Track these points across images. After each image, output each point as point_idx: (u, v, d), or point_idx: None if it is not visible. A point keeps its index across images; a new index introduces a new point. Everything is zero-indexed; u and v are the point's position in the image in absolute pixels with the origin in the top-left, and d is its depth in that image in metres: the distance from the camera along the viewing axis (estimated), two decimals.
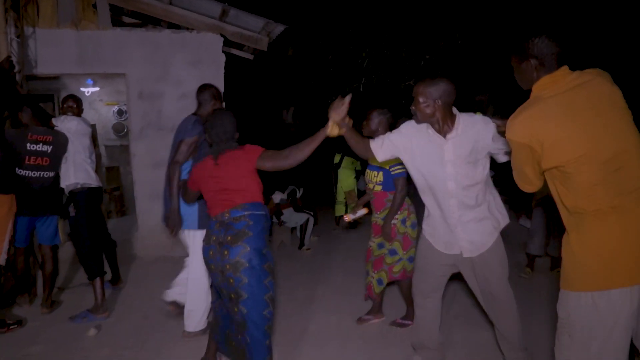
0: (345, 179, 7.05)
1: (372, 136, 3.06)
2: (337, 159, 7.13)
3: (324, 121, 2.55)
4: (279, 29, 5.82)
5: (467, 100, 8.82)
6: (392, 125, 3.48)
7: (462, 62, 7.68)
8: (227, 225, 2.42)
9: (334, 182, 7.20)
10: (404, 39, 7.50)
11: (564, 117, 1.73)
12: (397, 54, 7.56)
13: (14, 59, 4.18)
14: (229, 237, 2.38)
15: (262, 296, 2.38)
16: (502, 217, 2.65)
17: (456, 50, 7.59)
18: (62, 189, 3.99)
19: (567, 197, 1.77)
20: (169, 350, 3.24)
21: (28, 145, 3.76)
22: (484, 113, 5.20)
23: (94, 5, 5.15)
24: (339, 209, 7.10)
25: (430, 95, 2.41)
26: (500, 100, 9.09)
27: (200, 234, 2.98)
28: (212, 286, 2.88)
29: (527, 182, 1.92)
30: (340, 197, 7.07)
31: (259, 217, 2.46)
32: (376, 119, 3.47)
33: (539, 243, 4.61)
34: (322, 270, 5.11)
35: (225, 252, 2.38)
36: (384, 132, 3.16)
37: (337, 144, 5.77)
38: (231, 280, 2.37)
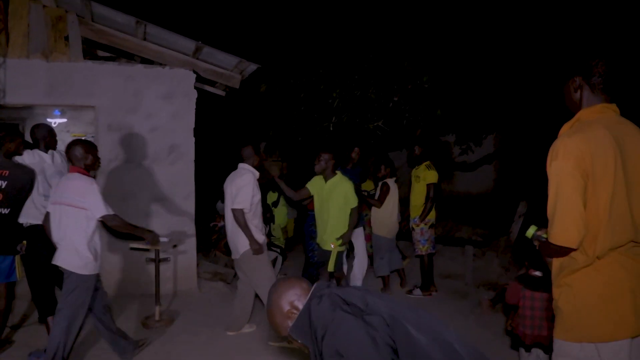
0: (283, 216, 7.25)
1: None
2: (273, 197, 7.21)
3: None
4: (251, 67, 5.91)
5: (433, 141, 9.12)
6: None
7: (428, 104, 7.96)
8: None
9: (270, 219, 7.19)
10: (373, 80, 7.74)
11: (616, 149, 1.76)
12: (366, 95, 7.78)
13: None
14: None
15: None
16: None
17: (423, 93, 7.88)
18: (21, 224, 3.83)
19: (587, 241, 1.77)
20: None
21: None
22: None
23: (66, 38, 5.14)
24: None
25: None
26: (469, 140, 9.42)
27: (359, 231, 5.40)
28: None
29: (574, 224, 1.74)
30: (277, 233, 7.14)
31: None
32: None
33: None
34: None
35: None
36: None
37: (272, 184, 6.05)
38: None
